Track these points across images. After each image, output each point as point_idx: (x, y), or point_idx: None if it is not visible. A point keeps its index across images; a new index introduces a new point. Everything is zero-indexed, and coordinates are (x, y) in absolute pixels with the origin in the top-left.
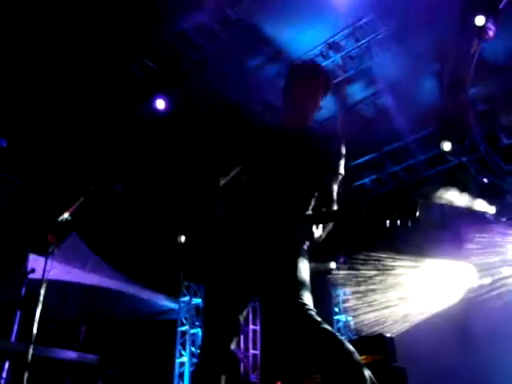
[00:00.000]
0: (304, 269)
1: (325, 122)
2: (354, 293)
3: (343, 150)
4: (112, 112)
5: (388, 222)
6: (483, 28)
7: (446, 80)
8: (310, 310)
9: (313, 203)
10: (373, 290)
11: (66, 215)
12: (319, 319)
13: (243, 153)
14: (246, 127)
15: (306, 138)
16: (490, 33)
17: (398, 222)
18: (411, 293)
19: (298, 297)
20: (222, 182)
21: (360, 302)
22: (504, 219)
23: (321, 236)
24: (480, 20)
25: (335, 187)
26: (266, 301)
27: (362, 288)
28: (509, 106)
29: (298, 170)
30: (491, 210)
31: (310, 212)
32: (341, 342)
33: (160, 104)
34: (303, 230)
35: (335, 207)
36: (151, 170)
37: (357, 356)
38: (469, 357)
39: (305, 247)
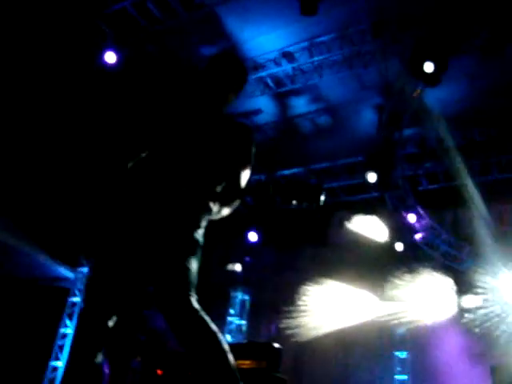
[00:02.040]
0: (194, 262)
1: (264, 126)
2: (258, 297)
3: (254, 147)
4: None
5: (294, 201)
6: (430, 74)
7: (384, 115)
8: (196, 304)
9: (218, 191)
10: (273, 299)
11: None
12: (205, 316)
13: (155, 133)
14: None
15: (222, 126)
16: (435, 80)
17: (303, 203)
18: (314, 308)
19: (187, 290)
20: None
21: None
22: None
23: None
24: (429, 67)
25: (244, 179)
26: (154, 287)
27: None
28: (435, 154)
29: (208, 155)
30: (399, 246)
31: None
32: (219, 342)
33: (110, 57)
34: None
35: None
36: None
37: (230, 357)
38: None
39: (199, 236)
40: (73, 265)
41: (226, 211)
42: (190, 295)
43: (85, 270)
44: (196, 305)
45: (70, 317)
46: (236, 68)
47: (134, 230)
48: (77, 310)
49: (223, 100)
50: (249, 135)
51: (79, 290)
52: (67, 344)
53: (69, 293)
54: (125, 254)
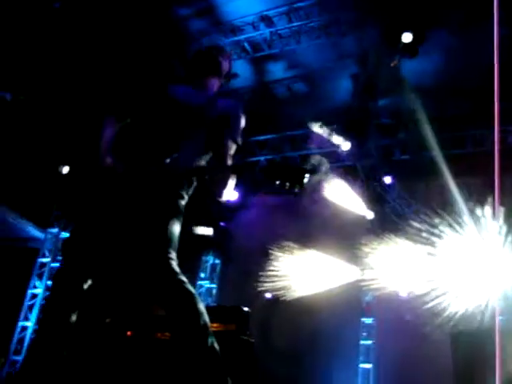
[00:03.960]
0: (176, 226)
1: (240, 90)
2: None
3: (243, 123)
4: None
5: (278, 182)
6: (408, 45)
7: (360, 84)
8: (173, 260)
9: (203, 163)
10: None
11: None
12: (183, 278)
13: (143, 100)
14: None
15: (212, 105)
16: (413, 51)
17: (287, 184)
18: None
19: (167, 252)
20: (113, 128)
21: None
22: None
23: (224, 189)
24: (407, 37)
25: (230, 154)
26: (129, 252)
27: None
28: (409, 125)
29: (197, 130)
30: (370, 215)
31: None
32: (194, 300)
33: None
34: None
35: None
36: (47, 88)
37: (205, 318)
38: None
39: (183, 203)
40: (43, 225)
41: (228, 185)
42: (170, 258)
43: (55, 230)
44: (176, 267)
45: (40, 277)
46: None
47: (117, 195)
48: (46, 270)
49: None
50: (237, 112)
51: (49, 251)
52: (37, 304)
53: (38, 253)
54: (106, 216)
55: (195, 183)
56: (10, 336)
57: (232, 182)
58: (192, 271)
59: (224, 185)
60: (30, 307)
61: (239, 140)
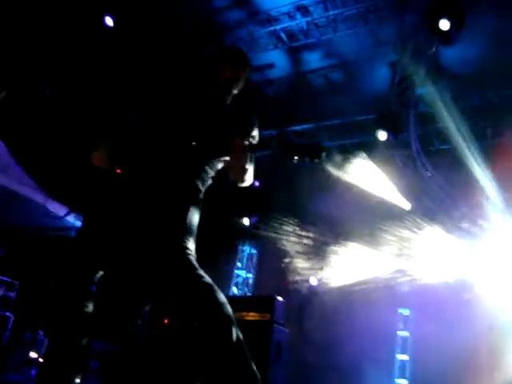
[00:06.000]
0: (193, 215)
1: (277, 80)
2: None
3: (257, 130)
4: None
5: (296, 158)
6: (446, 32)
7: (397, 73)
8: (191, 254)
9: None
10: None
11: None
12: (201, 272)
13: (161, 102)
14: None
15: (226, 109)
16: (451, 39)
17: (306, 159)
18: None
19: (183, 242)
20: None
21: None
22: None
23: (244, 171)
24: (444, 24)
25: (245, 149)
26: (145, 242)
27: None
28: (449, 115)
29: (209, 129)
30: (407, 205)
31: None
32: (213, 292)
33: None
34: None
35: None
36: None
37: (227, 309)
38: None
39: (200, 195)
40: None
41: (247, 169)
42: (187, 253)
43: None
44: (193, 261)
45: None
46: (242, 66)
47: (132, 183)
48: None
49: (233, 90)
50: (251, 121)
51: None
52: None
53: None
54: (121, 206)
55: (212, 174)
56: None
57: (251, 166)
58: (228, 261)
59: (243, 169)
60: None
61: (254, 142)
